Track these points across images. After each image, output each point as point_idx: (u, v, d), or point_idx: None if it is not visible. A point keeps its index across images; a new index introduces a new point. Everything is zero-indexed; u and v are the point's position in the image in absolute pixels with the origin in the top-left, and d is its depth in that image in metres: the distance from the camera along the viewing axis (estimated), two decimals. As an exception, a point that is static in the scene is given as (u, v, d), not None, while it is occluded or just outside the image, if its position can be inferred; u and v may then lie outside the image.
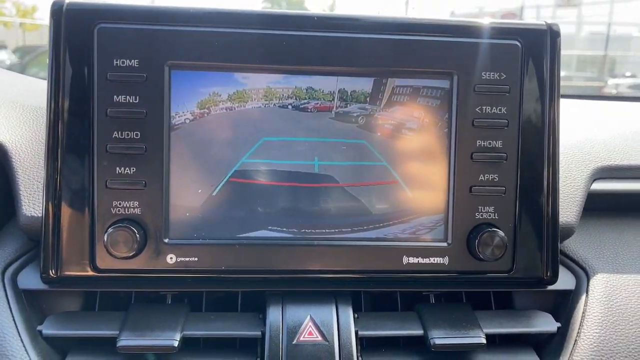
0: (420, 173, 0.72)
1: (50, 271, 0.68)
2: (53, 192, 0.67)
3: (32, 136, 0.77)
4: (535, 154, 0.72)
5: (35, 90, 0.91)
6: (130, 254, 0.67)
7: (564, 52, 0.74)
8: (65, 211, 0.68)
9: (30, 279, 0.71)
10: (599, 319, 0.73)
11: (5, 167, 0.74)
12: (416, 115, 0.71)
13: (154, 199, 0.68)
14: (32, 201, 0.71)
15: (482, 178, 0.72)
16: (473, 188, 0.71)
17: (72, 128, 0.68)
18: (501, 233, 0.70)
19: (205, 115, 0.69)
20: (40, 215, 0.70)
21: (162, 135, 0.68)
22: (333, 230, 0.71)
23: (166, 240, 0.69)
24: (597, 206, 0.85)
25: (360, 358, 0.68)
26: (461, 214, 0.72)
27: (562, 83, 0.74)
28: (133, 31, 0.67)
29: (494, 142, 0.72)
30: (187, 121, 0.69)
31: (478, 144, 0.71)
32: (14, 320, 0.66)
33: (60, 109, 0.67)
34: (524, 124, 0.72)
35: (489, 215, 0.72)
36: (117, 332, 0.66)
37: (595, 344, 0.71)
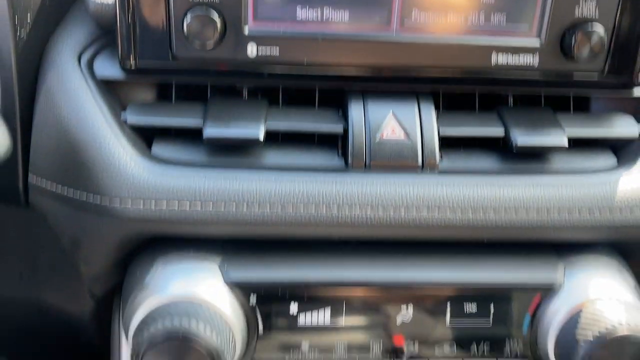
0: None
1: (129, 60, 0.65)
2: None
3: None
4: None
5: None
6: (210, 44, 0.63)
7: None
8: None
9: (106, 68, 0.68)
10: None
11: None
12: None
13: None
14: None
15: None
16: None
17: None
18: (601, 31, 0.65)
19: None
20: (109, 1, 0.65)
21: None
22: (420, 23, 0.66)
23: (246, 31, 0.65)
24: None
25: (441, 157, 0.68)
26: (559, 9, 0.66)
27: None
28: None
29: None
30: None
31: None
32: (98, 107, 0.66)
33: None
34: None
35: (589, 12, 0.66)
36: (201, 122, 0.66)
37: None
